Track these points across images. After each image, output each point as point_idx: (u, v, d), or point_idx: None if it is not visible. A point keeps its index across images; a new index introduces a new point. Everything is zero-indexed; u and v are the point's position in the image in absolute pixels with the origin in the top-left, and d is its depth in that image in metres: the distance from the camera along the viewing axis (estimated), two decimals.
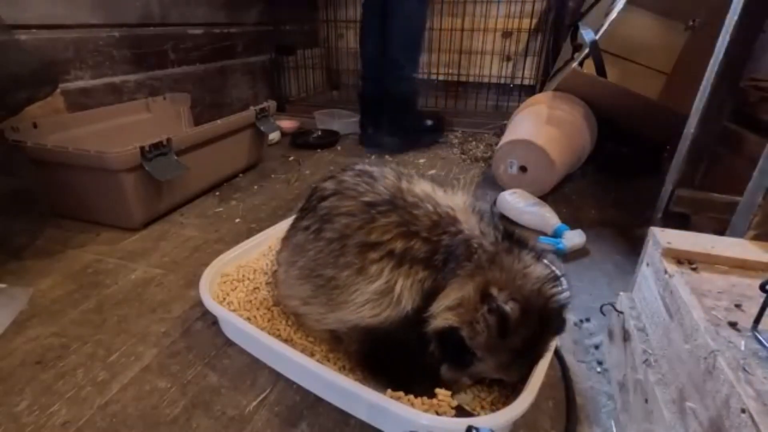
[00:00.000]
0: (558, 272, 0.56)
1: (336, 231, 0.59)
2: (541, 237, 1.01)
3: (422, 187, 0.61)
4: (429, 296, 0.53)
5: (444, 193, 0.61)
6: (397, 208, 0.57)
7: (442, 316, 0.52)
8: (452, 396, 0.55)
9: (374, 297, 0.55)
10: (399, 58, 1.53)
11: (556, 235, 1.00)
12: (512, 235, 0.58)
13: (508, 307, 0.48)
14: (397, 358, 0.57)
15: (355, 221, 0.58)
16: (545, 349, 0.54)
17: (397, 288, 0.54)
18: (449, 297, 0.52)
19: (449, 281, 0.53)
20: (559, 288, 0.53)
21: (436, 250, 0.54)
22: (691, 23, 1.29)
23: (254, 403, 0.58)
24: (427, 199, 0.58)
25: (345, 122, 1.90)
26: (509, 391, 0.58)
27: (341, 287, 0.57)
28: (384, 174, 0.63)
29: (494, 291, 0.50)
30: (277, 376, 0.63)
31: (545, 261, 0.56)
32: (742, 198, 0.65)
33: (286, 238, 0.71)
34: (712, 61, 0.81)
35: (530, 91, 2.06)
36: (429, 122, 1.72)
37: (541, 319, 0.51)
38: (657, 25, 1.35)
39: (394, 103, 1.59)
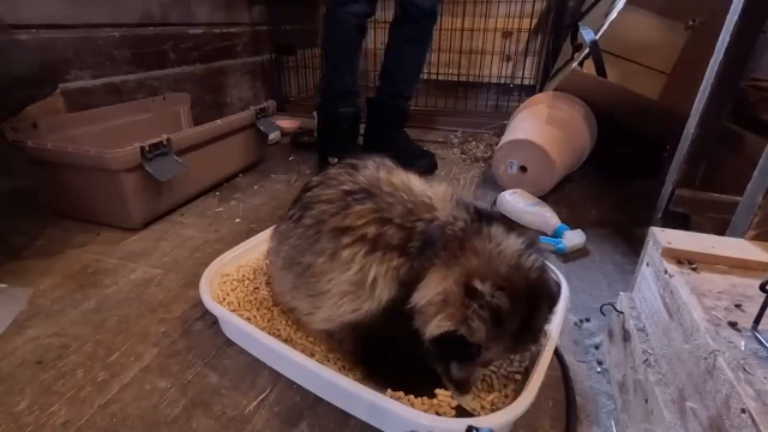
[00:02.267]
0: (530, 237, 0.55)
1: (313, 217, 0.60)
2: (541, 237, 1.01)
3: (400, 177, 0.61)
4: (407, 285, 0.52)
5: (423, 183, 0.61)
6: (373, 196, 0.57)
7: (433, 323, 0.51)
8: (461, 396, 0.55)
9: (351, 288, 0.55)
10: (391, 91, 1.50)
11: (556, 235, 1.00)
12: (481, 213, 0.57)
13: (497, 300, 0.48)
14: (392, 357, 0.57)
15: (331, 208, 0.58)
16: (545, 316, 0.54)
17: (371, 275, 0.53)
18: (430, 288, 0.51)
19: (427, 270, 0.52)
20: (535, 255, 0.52)
21: (410, 236, 0.54)
22: (691, 23, 1.29)
23: (254, 403, 0.58)
24: (403, 188, 0.59)
25: None
26: (509, 390, 0.58)
27: (317, 275, 0.58)
28: (365, 165, 0.63)
29: (477, 284, 0.49)
30: (277, 376, 0.63)
31: (515, 231, 0.55)
32: (742, 198, 0.65)
33: (275, 229, 0.72)
34: (712, 61, 0.81)
35: (530, 91, 2.06)
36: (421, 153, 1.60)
37: (530, 293, 0.50)
38: (657, 25, 1.35)
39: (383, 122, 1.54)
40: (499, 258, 0.51)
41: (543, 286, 0.52)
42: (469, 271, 0.50)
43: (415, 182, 0.61)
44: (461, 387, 0.55)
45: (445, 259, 0.52)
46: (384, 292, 0.53)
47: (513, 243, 0.53)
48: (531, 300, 0.51)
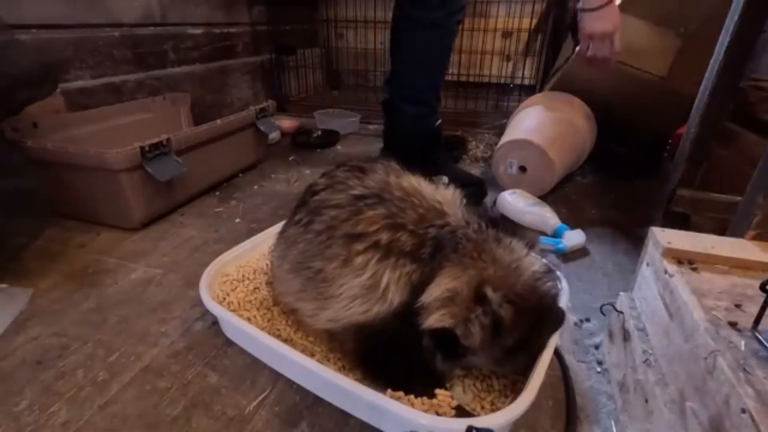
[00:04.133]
0: (548, 264, 0.56)
1: (324, 223, 0.59)
2: (541, 237, 1.01)
3: (410, 182, 0.61)
4: (418, 290, 0.53)
5: (432, 188, 0.61)
6: (385, 201, 0.57)
7: (434, 315, 0.51)
8: (446, 389, 0.55)
9: (362, 292, 0.55)
10: (401, 98, 1.29)
11: (556, 235, 1.00)
12: (497, 222, 0.57)
13: (503, 311, 0.48)
14: (394, 357, 0.57)
15: (342, 213, 0.58)
16: (541, 344, 0.54)
17: (384, 281, 0.54)
18: (440, 286, 0.51)
19: (437, 272, 0.52)
20: (552, 282, 0.53)
21: (422, 243, 0.54)
22: (682, 30, 1.30)
23: (254, 403, 0.58)
24: (414, 193, 0.59)
25: (345, 122, 1.91)
26: (509, 391, 0.58)
27: (329, 280, 0.57)
28: (374, 168, 0.63)
29: (489, 292, 0.49)
30: (277, 376, 0.63)
31: (535, 249, 0.56)
32: (742, 198, 0.65)
33: (280, 234, 0.72)
34: (712, 61, 0.81)
35: (530, 91, 2.06)
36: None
37: (536, 316, 0.51)
38: (651, 31, 1.35)
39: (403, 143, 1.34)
40: (516, 273, 0.51)
41: (551, 314, 0.53)
42: (484, 277, 0.50)
43: (424, 187, 0.61)
44: (438, 378, 0.56)
45: (457, 261, 0.52)
46: (395, 297, 0.53)
47: (533, 262, 0.53)
48: (535, 323, 0.51)
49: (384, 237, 0.55)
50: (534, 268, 0.53)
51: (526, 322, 0.50)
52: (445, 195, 0.60)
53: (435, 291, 0.51)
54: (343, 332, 0.59)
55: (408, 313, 0.52)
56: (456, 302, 0.51)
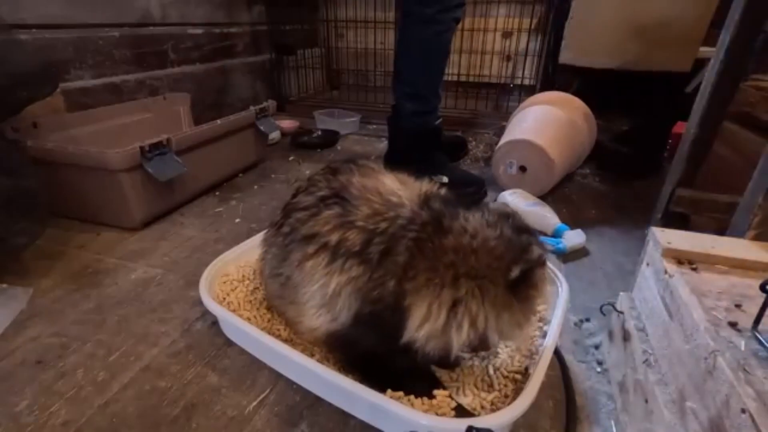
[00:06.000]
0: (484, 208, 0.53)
1: (290, 225, 0.59)
2: (541, 237, 1.01)
3: (377, 178, 0.57)
4: (370, 299, 0.49)
5: (399, 184, 0.57)
6: (342, 200, 0.55)
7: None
8: (446, 389, 0.55)
9: (323, 301, 0.53)
10: (401, 94, 1.31)
11: (556, 235, 1.00)
12: (440, 214, 0.51)
13: (538, 273, 0.49)
14: (382, 362, 0.56)
15: (305, 215, 0.57)
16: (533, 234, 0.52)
17: (331, 287, 0.52)
18: (423, 328, 0.48)
19: (412, 294, 0.48)
20: (495, 220, 0.50)
21: (370, 240, 0.50)
22: None
23: (254, 403, 0.58)
24: (372, 189, 0.55)
25: (345, 122, 1.91)
26: (509, 390, 0.58)
27: (295, 287, 0.57)
28: (344, 169, 0.61)
29: (514, 271, 0.47)
30: (277, 376, 0.63)
31: (471, 212, 0.52)
32: (742, 198, 0.65)
33: (264, 235, 0.72)
34: (712, 61, 0.81)
35: (530, 91, 2.05)
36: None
37: (523, 239, 0.50)
38: None
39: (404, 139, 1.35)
40: (491, 247, 0.48)
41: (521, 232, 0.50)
42: (489, 323, 0.48)
43: (387, 182, 0.56)
44: (436, 379, 0.58)
45: (431, 276, 0.48)
46: (346, 304, 0.52)
47: (486, 232, 0.49)
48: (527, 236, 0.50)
49: (334, 238, 0.52)
50: (485, 235, 0.49)
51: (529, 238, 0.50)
52: (408, 188, 0.56)
53: (420, 332, 0.48)
54: (326, 341, 0.59)
55: (370, 323, 0.51)
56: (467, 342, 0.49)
